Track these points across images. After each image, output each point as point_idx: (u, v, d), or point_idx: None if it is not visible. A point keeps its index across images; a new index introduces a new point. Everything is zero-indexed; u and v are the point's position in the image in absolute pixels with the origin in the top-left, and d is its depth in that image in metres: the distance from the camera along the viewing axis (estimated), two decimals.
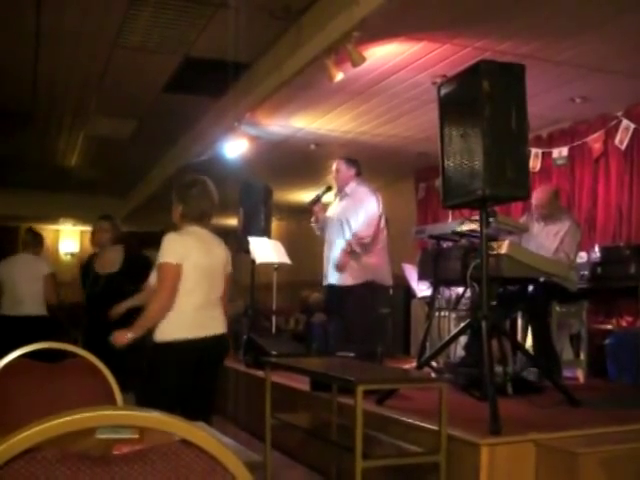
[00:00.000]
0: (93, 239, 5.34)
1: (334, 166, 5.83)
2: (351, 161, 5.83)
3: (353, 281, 5.57)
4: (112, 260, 5.11)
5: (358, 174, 5.82)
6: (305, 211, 6.09)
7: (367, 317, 5.67)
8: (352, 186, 5.75)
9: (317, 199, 5.94)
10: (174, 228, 3.57)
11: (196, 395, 3.47)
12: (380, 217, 5.62)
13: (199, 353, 3.40)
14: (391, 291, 7.23)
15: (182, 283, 3.33)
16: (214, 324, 3.47)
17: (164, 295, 3.32)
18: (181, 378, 3.37)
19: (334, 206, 5.90)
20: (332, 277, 5.69)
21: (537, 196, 5.35)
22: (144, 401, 3.46)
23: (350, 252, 5.54)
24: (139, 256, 5.32)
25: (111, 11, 5.46)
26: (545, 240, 5.26)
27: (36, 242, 6.21)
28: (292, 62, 5.74)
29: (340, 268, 5.54)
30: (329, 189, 5.97)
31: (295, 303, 10.67)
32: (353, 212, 5.63)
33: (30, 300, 5.78)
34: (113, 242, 5.19)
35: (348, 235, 5.58)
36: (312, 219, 6.00)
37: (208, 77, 6.77)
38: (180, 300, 3.34)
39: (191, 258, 3.35)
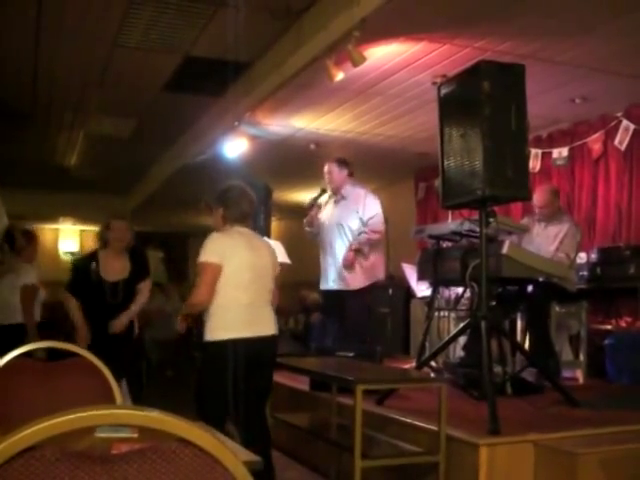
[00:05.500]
0: (118, 239, 4.66)
1: (325, 169, 5.79)
2: (343, 162, 5.77)
3: (359, 285, 5.56)
4: (122, 265, 4.69)
5: (351, 174, 5.78)
6: (305, 211, 6.06)
7: (368, 317, 5.69)
8: (347, 188, 5.72)
9: (312, 203, 5.87)
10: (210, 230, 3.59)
11: (250, 396, 3.43)
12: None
13: (250, 353, 3.37)
14: (390, 291, 7.23)
15: (231, 282, 3.39)
16: (264, 324, 3.49)
17: (201, 292, 3.40)
18: (233, 377, 3.35)
19: (329, 209, 5.82)
20: (335, 282, 5.66)
21: (538, 197, 5.35)
22: (198, 398, 3.52)
23: (357, 250, 5.51)
24: (143, 259, 4.93)
25: (111, 10, 5.46)
26: (545, 241, 5.27)
27: None
28: (292, 62, 5.73)
29: (349, 267, 5.52)
30: (323, 192, 5.88)
31: (294, 303, 10.65)
32: (351, 214, 5.60)
33: None
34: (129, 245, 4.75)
35: (347, 238, 5.56)
36: (305, 221, 5.93)
37: (208, 76, 6.76)
38: (229, 298, 3.40)
39: (237, 257, 3.42)
